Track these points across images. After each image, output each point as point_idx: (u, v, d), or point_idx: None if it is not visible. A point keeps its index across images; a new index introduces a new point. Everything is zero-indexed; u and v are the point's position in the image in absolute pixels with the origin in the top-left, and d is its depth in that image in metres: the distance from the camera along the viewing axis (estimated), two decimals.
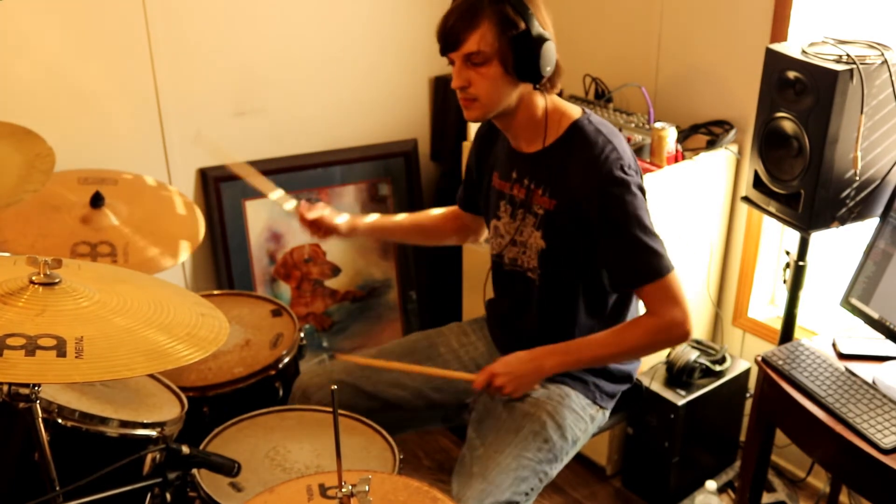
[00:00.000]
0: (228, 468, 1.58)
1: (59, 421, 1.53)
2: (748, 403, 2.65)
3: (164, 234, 2.20)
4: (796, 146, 2.05)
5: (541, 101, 1.83)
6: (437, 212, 2.27)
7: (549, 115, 1.84)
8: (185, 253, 2.19)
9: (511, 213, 1.93)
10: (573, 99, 2.86)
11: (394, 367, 1.98)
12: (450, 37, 1.75)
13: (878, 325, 1.97)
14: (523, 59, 1.72)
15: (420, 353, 2.09)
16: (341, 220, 2.15)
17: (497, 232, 2.00)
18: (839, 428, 1.79)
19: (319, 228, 2.14)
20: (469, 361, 2.09)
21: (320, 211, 2.14)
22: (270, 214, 2.92)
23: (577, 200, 1.80)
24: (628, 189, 1.76)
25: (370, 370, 2.04)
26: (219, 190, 2.81)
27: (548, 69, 1.74)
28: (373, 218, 2.22)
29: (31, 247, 2.03)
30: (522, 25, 1.71)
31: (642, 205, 1.80)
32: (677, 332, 1.83)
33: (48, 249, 2.01)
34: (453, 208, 2.24)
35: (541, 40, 1.72)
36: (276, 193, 2.17)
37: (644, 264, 1.79)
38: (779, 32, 2.41)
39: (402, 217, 2.26)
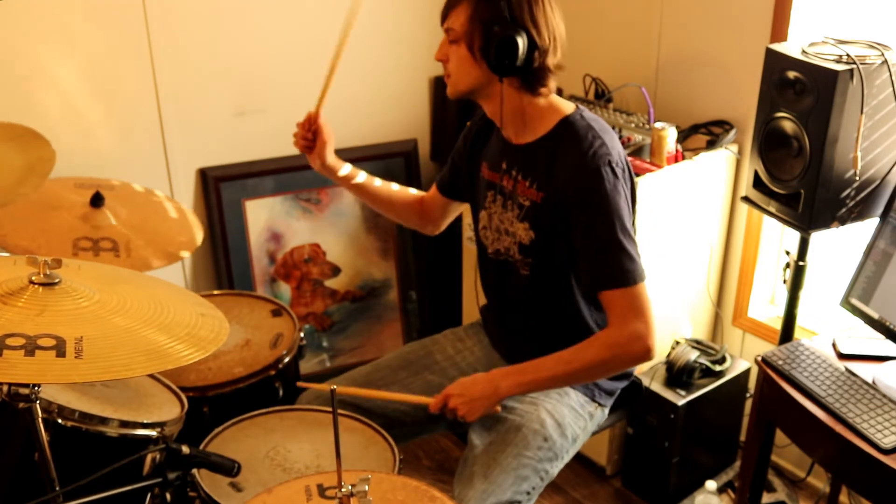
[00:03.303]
0: (228, 468, 1.58)
1: (59, 421, 1.53)
2: (748, 403, 2.65)
3: (162, 237, 2.19)
4: (796, 146, 2.05)
5: (527, 98, 1.82)
6: (410, 192, 2.25)
7: (539, 109, 1.84)
8: (185, 253, 2.18)
9: (502, 204, 1.93)
10: (573, 99, 2.86)
11: (359, 393, 1.96)
12: (442, 9, 1.83)
13: (878, 325, 1.97)
14: (486, 47, 1.74)
15: (416, 364, 2.08)
16: (331, 154, 2.10)
17: (485, 222, 2.00)
18: (839, 428, 1.79)
19: (309, 140, 2.09)
20: (467, 367, 2.08)
21: (326, 133, 2.09)
22: (270, 214, 2.93)
23: (563, 194, 1.79)
24: (614, 187, 1.75)
25: (369, 388, 2.02)
26: (219, 190, 2.81)
27: (507, 63, 1.74)
28: (359, 176, 2.16)
29: (31, 242, 2.02)
30: (502, 15, 1.72)
31: (626, 206, 1.77)
32: (638, 347, 1.75)
33: (49, 245, 2.01)
34: (423, 193, 2.23)
35: (510, 35, 1.72)
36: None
37: (616, 268, 1.75)
38: (779, 32, 2.41)
39: (379, 184, 2.20)
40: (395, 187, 2.23)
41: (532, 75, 1.79)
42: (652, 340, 1.75)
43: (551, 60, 1.79)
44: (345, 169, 2.14)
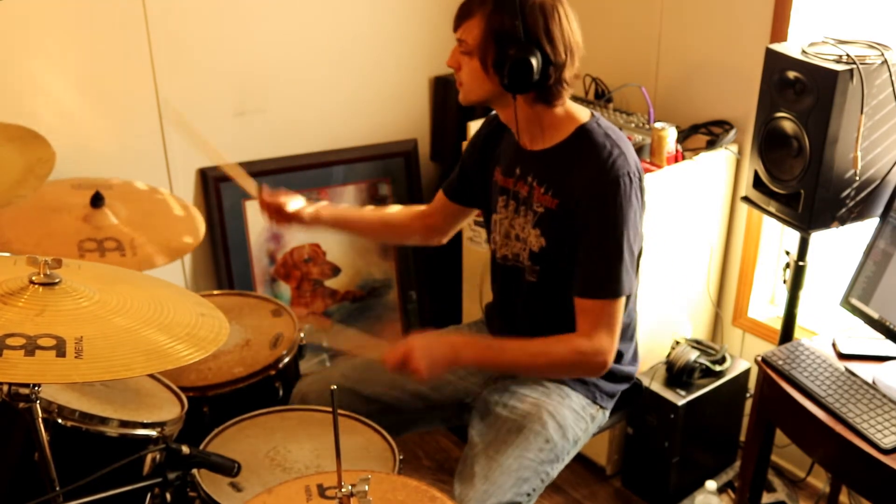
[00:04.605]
0: (228, 468, 1.58)
1: (59, 421, 1.53)
2: (748, 403, 2.65)
3: (164, 231, 2.19)
4: (796, 146, 2.05)
5: (543, 108, 1.81)
6: (405, 210, 2.23)
7: (555, 117, 1.83)
8: (187, 245, 2.19)
9: (515, 209, 1.93)
10: (573, 99, 2.85)
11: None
12: (455, 17, 1.80)
13: (878, 325, 1.97)
14: (500, 65, 1.73)
15: None
16: (297, 205, 2.08)
17: (494, 227, 2.00)
18: (839, 428, 1.79)
19: (278, 213, 2.08)
20: None
21: (281, 195, 2.08)
22: None
23: (579, 202, 1.79)
24: (628, 200, 1.76)
25: (368, 374, 2.03)
26: (219, 190, 2.81)
27: (519, 83, 1.72)
28: (338, 208, 2.15)
29: (36, 247, 2.01)
30: (516, 34, 1.70)
31: (636, 219, 1.79)
32: (599, 361, 1.78)
33: (55, 248, 2.00)
34: (422, 207, 2.22)
35: (524, 57, 1.70)
36: (249, 184, 2.11)
37: (610, 278, 1.76)
38: (779, 32, 2.41)
39: (367, 211, 2.20)
40: (387, 211, 2.22)
41: (547, 90, 1.78)
42: (612, 357, 1.79)
43: (568, 73, 1.77)
44: (331, 210, 2.13)
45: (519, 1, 1.70)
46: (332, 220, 2.15)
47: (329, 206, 2.14)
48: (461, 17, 1.79)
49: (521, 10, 1.70)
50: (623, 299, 1.78)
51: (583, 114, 1.85)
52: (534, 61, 1.71)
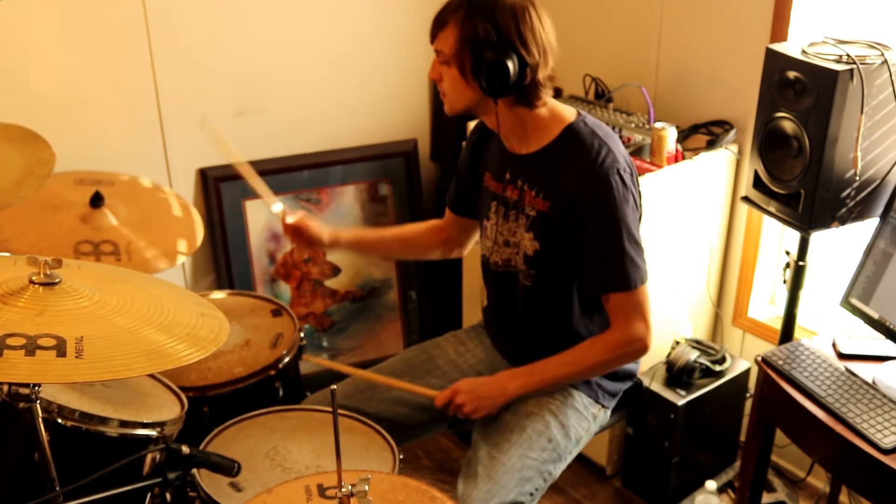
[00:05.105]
0: (228, 468, 1.58)
1: (59, 421, 1.54)
2: (748, 403, 2.65)
3: (162, 235, 2.20)
4: (796, 146, 2.05)
5: (525, 111, 1.82)
6: (420, 225, 2.25)
7: (541, 118, 1.83)
8: (182, 256, 2.19)
9: (504, 215, 1.93)
10: (573, 99, 2.86)
11: (361, 374, 2.01)
12: (430, 28, 1.83)
13: (878, 325, 1.97)
14: (477, 71, 1.74)
15: (419, 368, 2.08)
16: (323, 229, 2.11)
17: (485, 233, 2.00)
18: (839, 428, 1.79)
19: (301, 237, 2.10)
20: (468, 369, 2.07)
21: (302, 217, 2.10)
22: (270, 215, 2.92)
23: (571, 202, 1.79)
24: (622, 196, 1.76)
25: (369, 393, 2.03)
26: (219, 190, 2.81)
27: (498, 86, 1.74)
28: (356, 230, 2.19)
29: (33, 246, 2.02)
30: (489, 38, 1.71)
31: (632, 213, 1.80)
32: (638, 347, 1.83)
33: (51, 249, 2.00)
34: (437, 221, 2.22)
35: (499, 60, 1.71)
36: (272, 199, 2.13)
37: (619, 272, 1.78)
38: (779, 32, 2.41)
39: (385, 231, 2.25)
40: (403, 228, 2.24)
41: (525, 92, 1.78)
42: (650, 339, 1.84)
43: (542, 74, 1.78)
44: (351, 233, 2.16)
45: (490, 5, 1.72)
46: (351, 243, 2.18)
47: (348, 229, 2.17)
48: (436, 28, 1.81)
49: (492, 15, 1.71)
50: (643, 286, 1.81)
51: (568, 113, 1.85)
52: (510, 64, 1.72)
